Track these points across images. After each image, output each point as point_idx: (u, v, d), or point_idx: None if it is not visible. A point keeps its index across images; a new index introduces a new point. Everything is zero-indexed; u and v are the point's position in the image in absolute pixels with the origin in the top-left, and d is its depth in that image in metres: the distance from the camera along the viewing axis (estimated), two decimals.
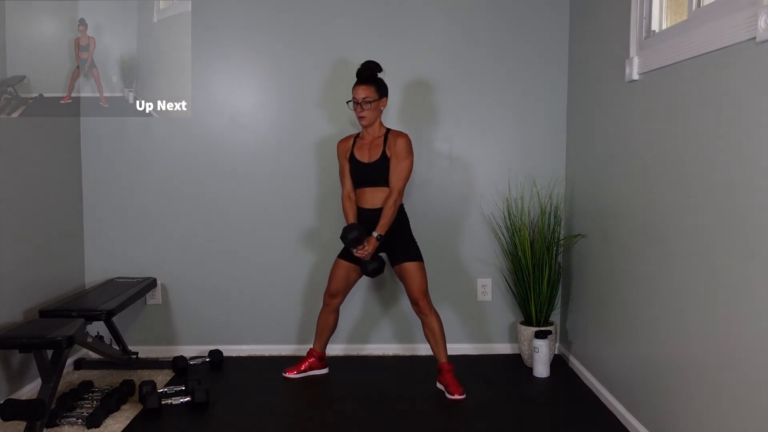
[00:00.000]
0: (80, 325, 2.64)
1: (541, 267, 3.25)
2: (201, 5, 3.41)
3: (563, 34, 3.44)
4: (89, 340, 2.79)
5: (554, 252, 3.29)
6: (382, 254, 3.05)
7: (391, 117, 3.43)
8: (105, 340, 3.13)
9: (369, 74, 2.94)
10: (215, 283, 3.53)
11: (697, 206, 2.04)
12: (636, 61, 2.48)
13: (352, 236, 2.88)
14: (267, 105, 3.49)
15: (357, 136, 3.05)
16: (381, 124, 3.01)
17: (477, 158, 3.51)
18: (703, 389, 2.01)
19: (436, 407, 2.86)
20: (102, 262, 3.50)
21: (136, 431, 2.59)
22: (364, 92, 2.90)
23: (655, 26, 2.46)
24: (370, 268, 2.97)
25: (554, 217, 3.37)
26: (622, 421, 2.63)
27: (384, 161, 2.94)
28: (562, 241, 3.38)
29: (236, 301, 3.54)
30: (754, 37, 1.70)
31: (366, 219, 3.01)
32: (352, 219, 3.04)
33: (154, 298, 3.53)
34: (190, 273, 3.52)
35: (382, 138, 2.98)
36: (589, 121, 3.14)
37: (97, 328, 3.24)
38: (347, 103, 2.99)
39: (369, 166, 2.97)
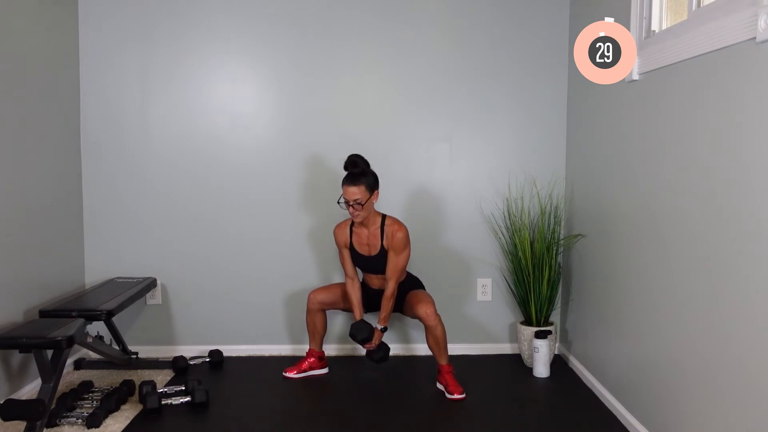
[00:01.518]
0: (80, 325, 2.64)
1: (541, 267, 3.25)
2: (201, 6, 3.41)
3: (563, 33, 3.44)
4: (89, 340, 2.79)
5: (554, 252, 3.29)
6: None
7: (392, 117, 3.43)
8: (105, 340, 3.13)
9: (357, 173, 2.89)
10: (215, 283, 3.53)
11: (697, 206, 2.04)
12: (636, 61, 2.47)
13: (362, 337, 3.01)
14: (267, 106, 3.49)
15: (353, 223, 3.04)
16: (375, 213, 3.01)
17: (477, 158, 3.51)
18: (703, 389, 2.01)
19: (436, 407, 2.86)
20: (102, 262, 3.50)
21: (136, 431, 2.58)
22: (354, 193, 2.86)
23: (655, 26, 2.46)
24: (376, 357, 3.07)
25: (554, 217, 3.37)
26: (622, 421, 2.63)
27: (384, 254, 3.00)
28: (562, 241, 3.38)
29: (236, 301, 3.54)
30: (754, 37, 1.70)
31: (373, 296, 3.13)
32: (358, 311, 3.10)
33: (154, 298, 3.53)
34: (190, 273, 3.52)
35: (379, 228, 2.99)
36: (590, 121, 3.14)
37: (97, 328, 3.24)
38: (338, 202, 2.96)
39: (370, 259, 3.05)
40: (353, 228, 3.04)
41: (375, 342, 3.02)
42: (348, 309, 3.20)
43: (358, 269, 3.15)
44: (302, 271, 3.54)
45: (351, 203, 2.88)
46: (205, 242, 3.51)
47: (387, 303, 3.01)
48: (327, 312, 3.25)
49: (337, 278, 3.44)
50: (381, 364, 3.12)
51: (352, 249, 3.07)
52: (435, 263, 3.46)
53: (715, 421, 1.94)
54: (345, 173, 2.91)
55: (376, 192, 2.94)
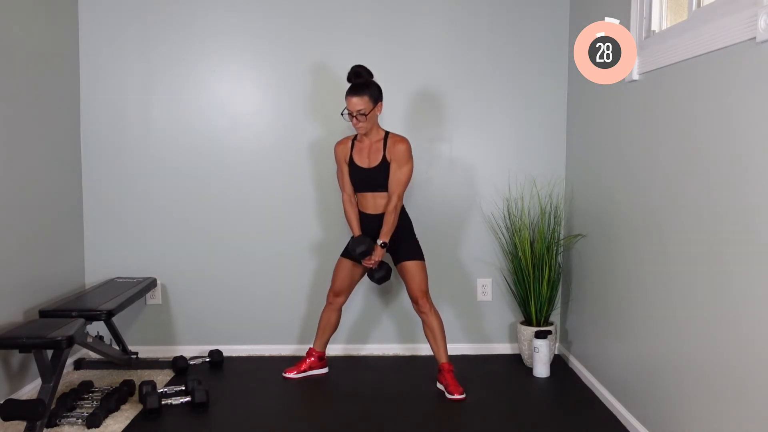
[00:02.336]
0: (80, 325, 2.64)
1: (541, 267, 3.25)
2: (201, 6, 3.41)
3: (563, 33, 3.44)
4: (89, 340, 2.79)
5: (554, 252, 3.29)
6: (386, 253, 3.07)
7: (392, 117, 3.43)
8: (105, 340, 3.13)
9: (361, 82, 2.88)
10: (215, 283, 3.53)
11: (696, 206, 2.04)
12: (636, 61, 2.47)
13: (360, 250, 2.93)
14: (267, 106, 3.49)
15: (355, 137, 3.03)
16: (379, 127, 2.99)
17: (477, 158, 3.51)
18: (702, 389, 2.01)
19: (436, 407, 2.86)
20: (102, 262, 3.50)
21: (136, 431, 2.58)
22: (357, 104, 2.84)
23: (655, 26, 2.46)
24: (377, 276, 3.02)
25: (554, 217, 3.37)
26: (622, 421, 2.63)
27: (384, 166, 2.93)
28: (562, 241, 3.38)
29: (236, 301, 3.54)
30: (754, 37, 1.70)
31: (369, 223, 3.02)
32: (356, 227, 3.04)
33: (154, 298, 3.53)
34: (190, 273, 3.52)
35: (382, 142, 2.96)
36: (589, 121, 3.14)
37: (97, 328, 3.24)
38: (342, 114, 2.94)
39: (369, 171, 2.96)
40: (355, 141, 3.01)
41: (375, 258, 2.95)
42: (356, 280, 3.16)
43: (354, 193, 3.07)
44: (302, 272, 3.54)
45: (354, 114, 2.86)
46: (205, 242, 3.51)
47: (389, 217, 2.93)
48: (339, 314, 3.24)
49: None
50: (382, 284, 3.08)
51: (351, 164, 3.01)
52: (435, 263, 3.45)
53: (715, 421, 1.94)
54: (348, 86, 2.89)
55: (380, 104, 2.92)
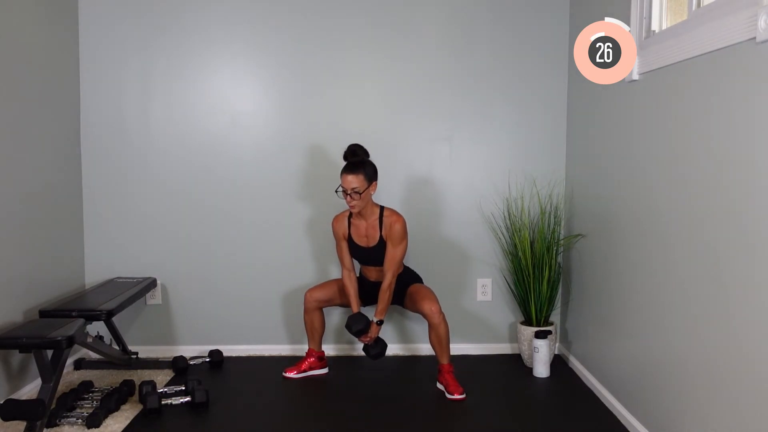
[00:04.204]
0: (80, 325, 2.64)
1: (541, 267, 3.25)
2: (202, 6, 3.41)
3: (563, 33, 3.44)
4: (89, 340, 2.79)
5: (554, 252, 3.29)
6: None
7: (392, 116, 3.43)
8: (105, 340, 3.13)
9: (356, 161, 2.90)
10: (215, 283, 3.53)
11: (697, 206, 2.04)
12: (636, 61, 2.47)
13: (356, 329, 3.00)
14: (267, 106, 3.49)
15: (351, 215, 3.04)
16: (373, 204, 3.01)
17: (477, 158, 3.51)
18: (703, 389, 2.01)
19: (436, 407, 2.86)
20: (102, 262, 3.49)
21: (136, 431, 2.58)
22: (353, 182, 2.86)
23: (655, 26, 2.46)
24: (373, 353, 3.07)
25: (554, 217, 3.37)
26: (622, 421, 2.63)
27: (382, 245, 3.00)
28: (562, 241, 3.38)
29: (236, 301, 3.54)
30: (754, 37, 1.69)
31: (371, 288, 3.13)
32: (355, 303, 3.10)
33: (154, 298, 3.53)
34: (190, 273, 3.52)
35: (377, 220, 3.00)
36: (589, 121, 3.14)
37: (97, 328, 3.24)
38: (336, 192, 2.96)
39: (369, 251, 3.04)
40: (351, 219, 3.04)
41: (372, 335, 3.01)
42: (345, 304, 3.19)
43: (355, 262, 3.16)
44: (302, 272, 3.54)
45: (349, 192, 2.88)
46: (205, 242, 3.51)
47: (384, 295, 3.00)
48: (325, 311, 3.25)
49: (335, 277, 3.44)
50: (377, 360, 3.11)
51: (350, 241, 3.07)
52: (435, 263, 3.45)
53: (715, 421, 1.94)
54: (344, 164, 2.91)
55: (374, 183, 2.94)
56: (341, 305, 3.25)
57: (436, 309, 2.93)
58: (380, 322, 3.02)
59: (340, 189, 2.91)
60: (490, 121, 3.50)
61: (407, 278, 3.13)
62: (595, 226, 3.04)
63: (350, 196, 2.88)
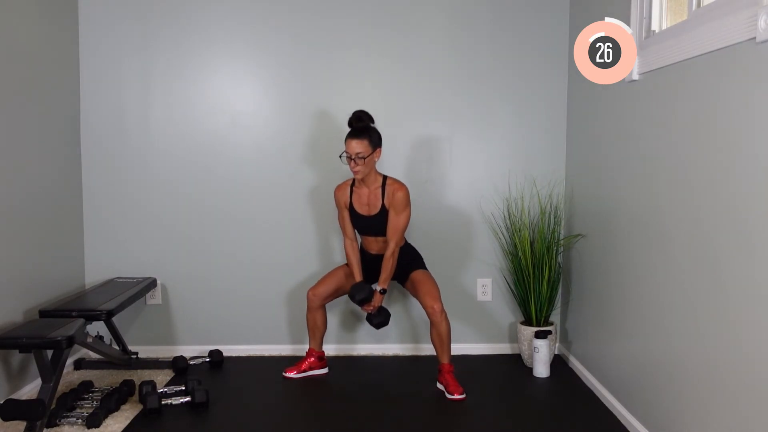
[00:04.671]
0: (80, 325, 2.64)
1: (541, 267, 3.25)
2: (202, 6, 3.41)
3: (563, 33, 3.44)
4: (89, 340, 2.79)
5: (554, 252, 3.29)
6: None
7: (392, 116, 3.43)
8: (105, 340, 3.13)
9: (361, 126, 2.90)
10: (215, 283, 3.53)
11: (697, 206, 2.04)
12: (636, 61, 2.47)
13: (360, 297, 2.98)
14: (267, 105, 3.49)
15: (353, 182, 3.04)
16: (376, 172, 3.01)
17: (477, 158, 3.51)
18: (702, 389, 2.01)
19: (436, 407, 2.86)
20: (102, 262, 3.49)
21: (136, 431, 2.58)
22: (357, 147, 2.86)
23: (655, 26, 2.46)
24: (376, 322, 3.06)
25: (554, 217, 3.37)
26: (621, 420, 2.63)
27: (384, 213, 2.98)
28: (562, 241, 3.38)
29: (236, 301, 3.54)
30: (754, 37, 1.69)
31: (372, 263, 3.09)
32: (358, 272, 3.09)
33: (154, 298, 3.53)
34: (190, 273, 3.52)
35: (380, 188, 2.99)
36: (589, 121, 3.14)
37: (97, 328, 3.24)
38: (340, 156, 2.97)
39: (370, 219, 3.02)
40: (354, 188, 3.04)
41: (375, 304, 3.00)
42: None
43: (356, 234, 3.13)
44: (302, 272, 3.54)
45: (353, 157, 2.88)
46: (205, 242, 3.51)
47: (387, 264, 2.98)
48: (326, 310, 3.24)
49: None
50: (380, 329, 3.11)
51: (351, 210, 3.05)
52: (435, 263, 3.45)
53: (715, 421, 1.94)
54: (349, 130, 2.92)
55: (378, 150, 2.95)
56: (345, 293, 3.20)
57: (438, 308, 2.93)
58: (383, 291, 3.00)
59: (345, 154, 2.90)
60: (490, 121, 3.50)
61: (408, 257, 3.10)
62: (595, 226, 3.04)
63: (354, 162, 2.88)
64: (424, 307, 2.98)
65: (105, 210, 3.49)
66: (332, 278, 3.17)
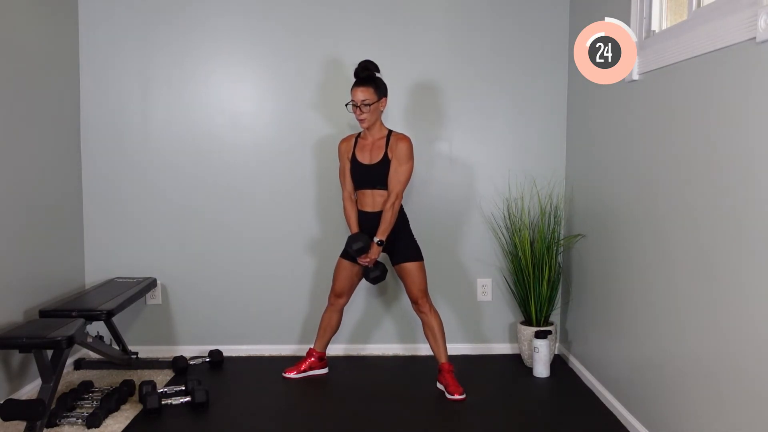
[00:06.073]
0: (80, 325, 2.64)
1: (541, 267, 3.25)
2: (202, 5, 3.41)
3: (563, 33, 3.44)
4: (89, 340, 2.79)
5: (554, 252, 3.29)
6: (383, 253, 3.06)
7: (392, 117, 3.43)
8: (105, 340, 3.13)
9: (367, 75, 2.92)
10: (215, 283, 3.53)
11: (696, 206, 2.04)
12: (636, 61, 2.47)
13: (357, 247, 2.92)
14: (267, 105, 3.49)
15: (359, 135, 3.05)
16: (382, 124, 3.01)
17: (477, 158, 3.51)
18: (702, 389, 2.01)
19: (436, 407, 2.86)
20: (102, 262, 3.49)
21: (136, 431, 2.58)
22: (362, 94, 2.88)
23: (655, 26, 2.46)
24: (372, 276, 3.02)
25: (554, 217, 3.38)
26: (622, 420, 2.63)
27: (385, 163, 2.94)
28: (562, 241, 3.38)
29: (236, 301, 3.54)
30: (754, 37, 1.70)
31: (366, 221, 3.02)
32: (355, 225, 3.05)
33: (154, 298, 3.53)
34: (190, 273, 3.52)
35: (384, 139, 2.97)
36: (590, 121, 3.14)
37: (97, 328, 3.24)
38: (346, 105, 2.98)
39: (370, 168, 2.97)
40: (359, 138, 3.04)
41: (372, 256, 2.94)
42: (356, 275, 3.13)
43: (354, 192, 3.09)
44: (302, 272, 3.54)
45: (359, 105, 2.88)
46: (205, 242, 3.51)
47: (386, 215, 2.93)
48: (341, 316, 3.23)
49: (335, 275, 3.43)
50: (376, 284, 3.10)
51: (353, 161, 3.02)
52: (435, 263, 3.45)
53: (715, 421, 1.94)
54: (355, 80, 2.93)
55: (384, 99, 2.96)
56: (360, 279, 3.16)
57: (423, 301, 2.98)
58: (381, 243, 2.95)
59: (351, 103, 2.91)
60: (490, 121, 3.50)
61: (402, 234, 3.01)
62: (595, 226, 3.04)
63: (360, 109, 2.89)
64: (411, 301, 3.03)
65: (105, 210, 3.49)
66: (341, 272, 3.11)
